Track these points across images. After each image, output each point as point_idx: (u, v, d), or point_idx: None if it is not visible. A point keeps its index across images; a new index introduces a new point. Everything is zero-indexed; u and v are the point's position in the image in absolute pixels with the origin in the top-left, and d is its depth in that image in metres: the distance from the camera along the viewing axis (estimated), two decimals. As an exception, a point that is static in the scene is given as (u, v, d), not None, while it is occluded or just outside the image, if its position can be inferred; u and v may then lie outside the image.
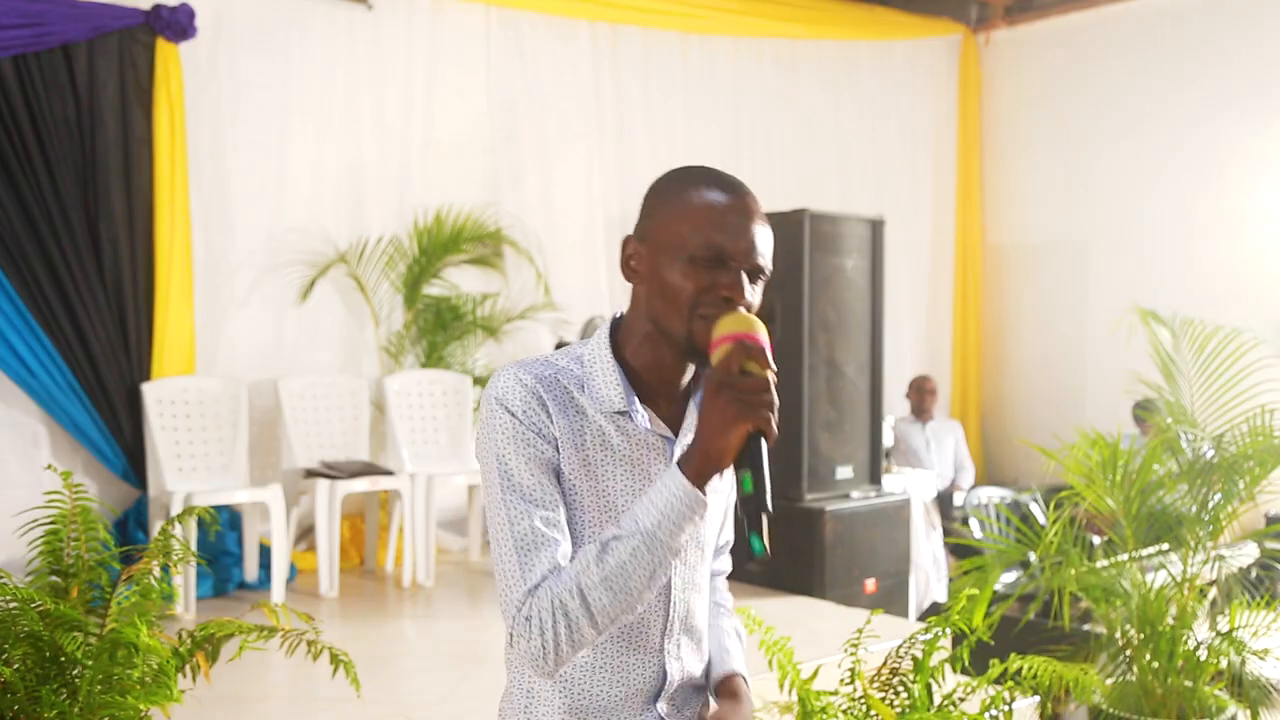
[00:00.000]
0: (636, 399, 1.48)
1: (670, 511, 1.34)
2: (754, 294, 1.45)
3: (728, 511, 1.69)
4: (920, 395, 7.51)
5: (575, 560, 1.37)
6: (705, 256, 1.41)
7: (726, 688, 1.62)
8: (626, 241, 1.49)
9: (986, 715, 2.56)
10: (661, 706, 1.53)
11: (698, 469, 1.34)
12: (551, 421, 1.43)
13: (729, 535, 1.74)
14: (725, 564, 1.78)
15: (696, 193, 1.45)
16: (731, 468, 1.35)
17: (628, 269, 1.49)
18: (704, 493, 1.34)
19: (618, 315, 1.55)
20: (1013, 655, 2.67)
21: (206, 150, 5.59)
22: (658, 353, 1.49)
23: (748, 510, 1.33)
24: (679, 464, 1.35)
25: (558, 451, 1.43)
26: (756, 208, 1.46)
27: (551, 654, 1.36)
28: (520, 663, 1.47)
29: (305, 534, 5.86)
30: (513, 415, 1.42)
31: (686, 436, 1.51)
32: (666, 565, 1.37)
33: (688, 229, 1.42)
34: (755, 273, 1.44)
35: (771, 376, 1.35)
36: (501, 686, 1.58)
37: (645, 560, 1.34)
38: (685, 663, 1.56)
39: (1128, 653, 3.66)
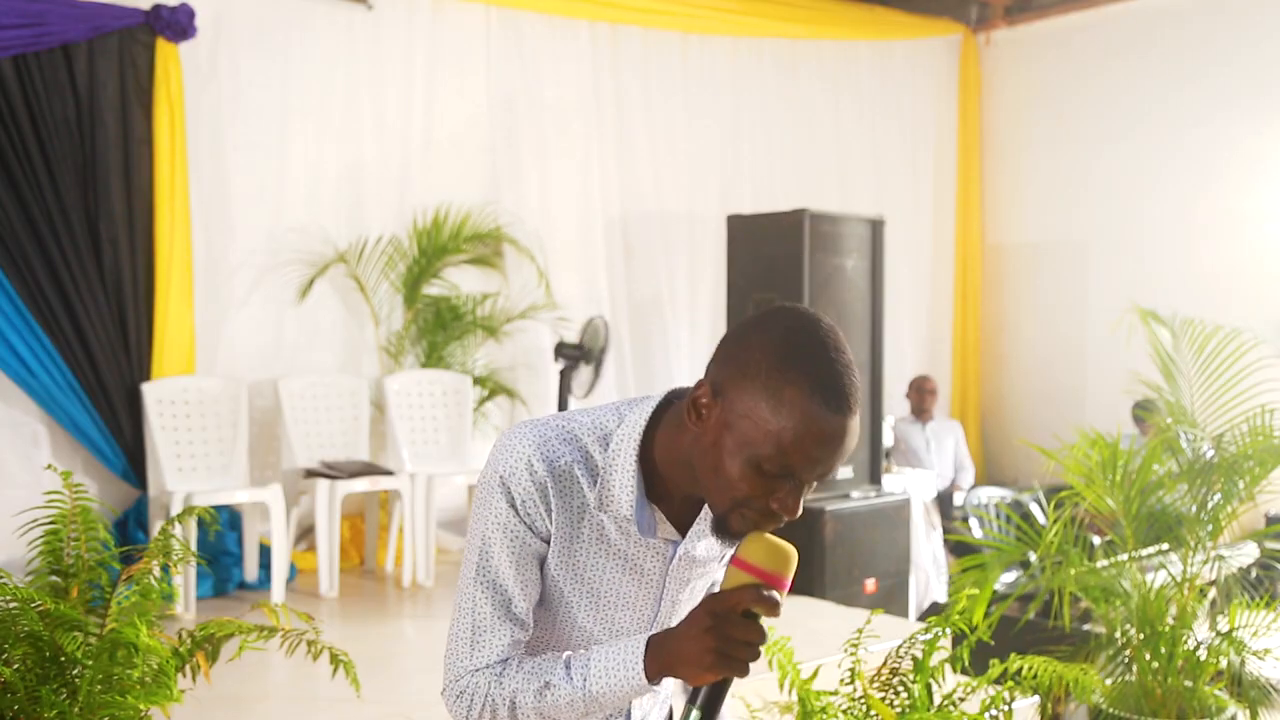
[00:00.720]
0: (646, 506, 1.41)
1: (619, 689, 1.35)
2: (805, 497, 1.34)
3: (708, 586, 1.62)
4: (920, 395, 7.51)
5: (519, 676, 1.39)
6: (773, 471, 1.28)
7: None
8: (702, 384, 1.33)
9: (986, 715, 2.56)
10: None
11: (661, 668, 1.33)
12: (549, 517, 1.39)
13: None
14: None
15: (799, 392, 1.25)
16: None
17: (693, 411, 1.33)
18: (657, 683, 1.34)
19: (657, 404, 1.42)
20: (1013, 655, 2.66)
21: (206, 150, 5.59)
22: (690, 479, 1.38)
23: None
24: (649, 644, 1.33)
25: (547, 544, 1.41)
26: (854, 430, 1.28)
27: None
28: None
29: (305, 534, 5.86)
30: (510, 503, 1.38)
31: (693, 543, 1.46)
32: (599, 715, 1.42)
33: (770, 429, 1.25)
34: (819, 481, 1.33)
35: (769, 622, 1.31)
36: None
37: (580, 711, 1.38)
38: (645, 709, 1.59)
39: (1128, 653, 3.65)
